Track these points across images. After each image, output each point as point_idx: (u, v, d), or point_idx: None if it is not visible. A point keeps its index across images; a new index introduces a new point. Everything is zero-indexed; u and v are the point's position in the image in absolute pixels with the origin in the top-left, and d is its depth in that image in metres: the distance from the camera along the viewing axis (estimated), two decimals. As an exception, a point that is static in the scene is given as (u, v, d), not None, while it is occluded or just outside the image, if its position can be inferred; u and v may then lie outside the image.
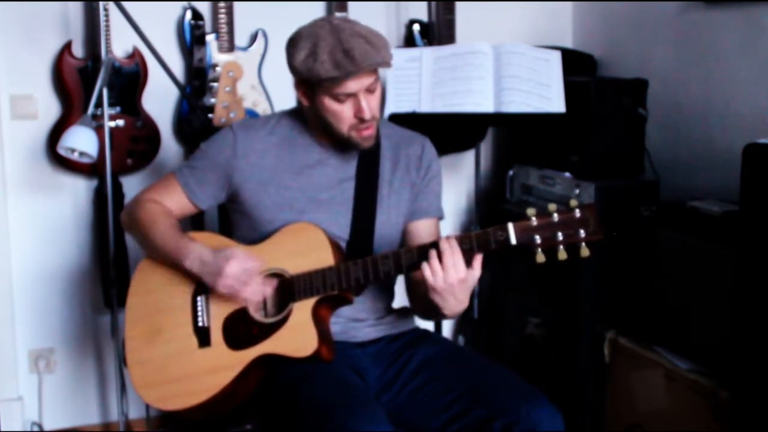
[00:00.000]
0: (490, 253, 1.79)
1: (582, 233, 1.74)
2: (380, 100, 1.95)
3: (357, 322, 2.02)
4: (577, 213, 1.75)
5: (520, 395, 1.79)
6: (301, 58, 1.85)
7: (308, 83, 1.90)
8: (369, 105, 1.89)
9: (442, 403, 1.85)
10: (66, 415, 3.01)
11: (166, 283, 1.99)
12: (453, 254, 1.75)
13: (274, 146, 2.02)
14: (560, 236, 1.75)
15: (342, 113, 1.90)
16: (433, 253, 1.77)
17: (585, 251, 1.75)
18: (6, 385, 2.91)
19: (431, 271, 1.76)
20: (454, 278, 1.75)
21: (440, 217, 2.13)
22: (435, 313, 1.86)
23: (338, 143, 1.98)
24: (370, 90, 1.89)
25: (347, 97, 1.88)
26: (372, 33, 1.87)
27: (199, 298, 1.96)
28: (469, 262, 1.76)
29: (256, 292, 1.88)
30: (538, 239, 1.75)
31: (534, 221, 1.76)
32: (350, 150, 1.98)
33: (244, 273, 1.85)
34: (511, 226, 1.77)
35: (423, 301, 1.85)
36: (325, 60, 1.82)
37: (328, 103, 1.89)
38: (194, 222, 2.71)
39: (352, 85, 1.85)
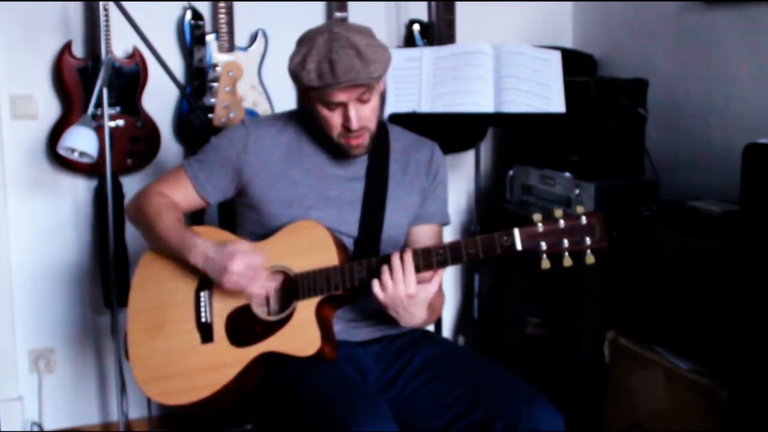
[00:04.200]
0: (492, 258, 1.79)
1: (588, 241, 1.75)
2: (377, 109, 1.94)
3: (357, 321, 2.02)
4: (584, 220, 1.75)
5: (521, 396, 1.79)
6: (294, 62, 1.87)
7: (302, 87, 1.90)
8: (358, 115, 1.88)
9: (442, 404, 1.85)
10: (66, 415, 3.01)
11: (169, 277, 1.99)
12: (404, 270, 1.77)
13: (285, 143, 2.02)
14: (566, 243, 1.75)
15: (331, 120, 1.90)
16: (384, 268, 1.78)
17: (590, 258, 1.75)
18: (6, 385, 2.91)
19: (381, 287, 1.78)
20: (401, 292, 1.77)
21: (445, 223, 2.14)
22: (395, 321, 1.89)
23: (333, 147, 1.98)
24: (361, 100, 1.88)
25: (337, 105, 1.87)
26: (369, 45, 1.84)
27: (202, 294, 1.96)
28: (472, 266, 1.76)
29: (261, 287, 1.88)
30: (543, 245, 1.75)
31: (540, 227, 1.76)
32: (345, 155, 1.97)
33: (249, 269, 1.85)
34: (517, 232, 1.76)
35: None
36: (311, 69, 1.82)
37: (320, 108, 1.90)
38: (194, 217, 2.70)
39: (339, 95, 1.85)
